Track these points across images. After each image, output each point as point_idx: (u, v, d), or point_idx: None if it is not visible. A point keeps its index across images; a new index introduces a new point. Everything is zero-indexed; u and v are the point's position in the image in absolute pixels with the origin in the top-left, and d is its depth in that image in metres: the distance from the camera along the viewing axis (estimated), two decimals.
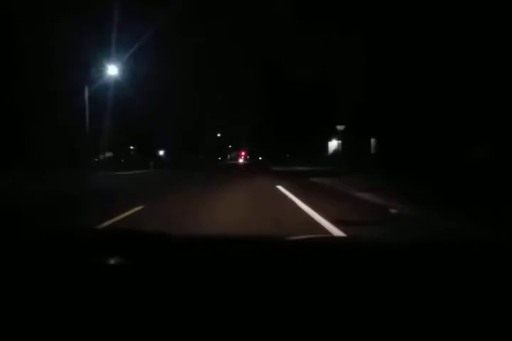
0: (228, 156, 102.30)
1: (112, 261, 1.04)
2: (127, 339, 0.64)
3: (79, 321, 0.67)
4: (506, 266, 0.93)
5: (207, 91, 58.33)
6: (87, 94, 18.86)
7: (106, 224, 4.88)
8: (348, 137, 26.64)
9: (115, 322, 0.67)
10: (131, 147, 34.03)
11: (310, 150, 34.24)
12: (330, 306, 0.73)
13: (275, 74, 45.27)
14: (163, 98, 36.46)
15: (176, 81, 44.42)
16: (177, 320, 0.68)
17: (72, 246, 1.16)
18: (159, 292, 0.78)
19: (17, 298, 0.75)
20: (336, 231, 4.13)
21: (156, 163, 29.88)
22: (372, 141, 23.84)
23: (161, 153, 46.16)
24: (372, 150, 23.89)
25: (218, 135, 73.64)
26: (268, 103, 46.86)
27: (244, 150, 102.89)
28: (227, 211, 6.12)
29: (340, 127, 23.43)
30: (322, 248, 1.22)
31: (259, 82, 50.04)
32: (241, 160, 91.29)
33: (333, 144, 31.15)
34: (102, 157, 24.88)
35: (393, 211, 5.58)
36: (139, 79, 28.32)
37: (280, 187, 10.04)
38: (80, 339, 0.64)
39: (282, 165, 31.37)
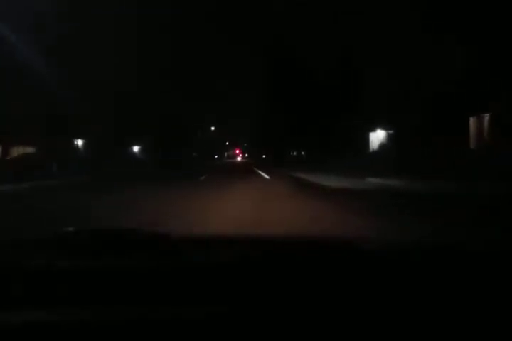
0: (226, 154, 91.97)
1: (110, 261, 0.98)
2: (125, 339, 0.66)
3: (80, 324, 0.67)
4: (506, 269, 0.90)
5: (198, 75, 47.31)
6: None
7: None
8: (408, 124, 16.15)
9: (114, 324, 0.68)
10: (80, 141, 23.23)
11: (336, 144, 23.49)
12: (330, 308, 0.73)
13: (284, 51, 34.47)
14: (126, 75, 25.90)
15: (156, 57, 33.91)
16: (177, 320, 0.69)
17: (71, 247, 1.08)
18: (159, 293, 0.78)
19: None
20: None
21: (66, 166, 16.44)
22: (473, 121, 13.22)
23: (136, 149, 35.56)
24: (473, 144, 13.27)
25: (213, 128, 62.38)
26: (274, 86, 36.03)
27: (239, 148, 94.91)
28: None
29: None
30: (324, 248, 1.18)
31: (264, 59, 39.23)
32: (239, 159, 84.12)
33: (378, 136, 20.54)
34: None
35: None
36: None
37: None
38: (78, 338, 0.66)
39: (307, 170, 18.14)
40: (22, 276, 0.82)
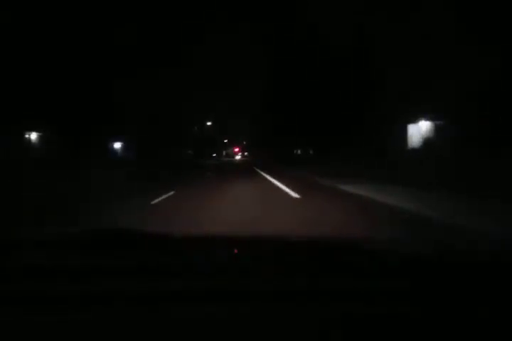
0: (224, 152, 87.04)
1: (110, 261, 0.96)
2: (125, 339, 0.65)
3: (79, 323, 0.66)
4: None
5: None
6: None
7: None
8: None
9: (115, 323, 0.67)
10: (35, 133, 18.17)
11: (363, 141, 18.52)
12: (330, 308, 0.71)
13: (288, 33, 29.41)
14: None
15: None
16: (178, 320, 0.68)
17: (72, 247, 1.10)
18: (159, 292, 0.76)
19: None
20: None
21: None
22: None
23: (117, 146, 30.46)
24: None
25: (209, 123, 57.07)
26: (277, 75, 31.02)
27: (238, 146, 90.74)
28: None
29: None
30: (325, 249, 1.15)
31: (266, 45, 34.20)
32: (238, 157, 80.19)
33: (420, 129, 15.62)
34: None
35: None
36: None
37: None
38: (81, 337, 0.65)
39: (338, 176, 12.91)
40: (22, 276, 0.80)
